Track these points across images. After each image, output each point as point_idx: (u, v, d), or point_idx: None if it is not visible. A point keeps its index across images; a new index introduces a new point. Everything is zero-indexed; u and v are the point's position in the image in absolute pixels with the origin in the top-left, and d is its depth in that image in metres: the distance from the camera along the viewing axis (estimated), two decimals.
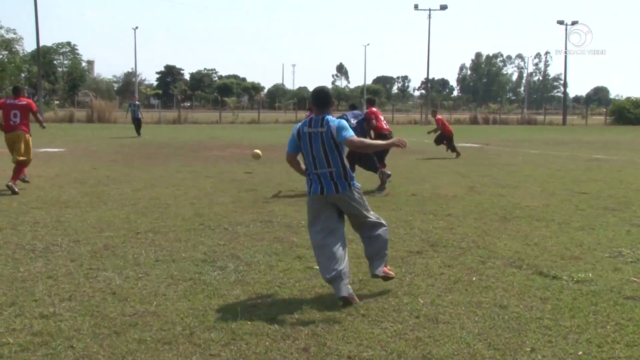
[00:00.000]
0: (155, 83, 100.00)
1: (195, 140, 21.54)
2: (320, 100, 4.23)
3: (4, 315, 3.77)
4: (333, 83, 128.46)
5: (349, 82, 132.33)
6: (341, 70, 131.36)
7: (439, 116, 16.18)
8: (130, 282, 4.51)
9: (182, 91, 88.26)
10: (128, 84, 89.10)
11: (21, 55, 36.64)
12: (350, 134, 4.09)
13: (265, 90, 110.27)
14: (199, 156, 15.19)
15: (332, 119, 4.16)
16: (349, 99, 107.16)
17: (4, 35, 34.60)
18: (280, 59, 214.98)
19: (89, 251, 5.38)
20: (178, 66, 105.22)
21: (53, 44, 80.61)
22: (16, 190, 8.48)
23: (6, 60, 34.97)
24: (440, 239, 5.99)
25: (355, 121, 9.02)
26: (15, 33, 35.04)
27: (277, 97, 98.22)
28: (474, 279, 4.64)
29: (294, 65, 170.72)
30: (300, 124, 4.35)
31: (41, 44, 40.94)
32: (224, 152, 16.13)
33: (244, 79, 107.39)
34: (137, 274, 4.70)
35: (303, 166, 4.44)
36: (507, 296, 4.20)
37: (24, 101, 9.14)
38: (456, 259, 5.23)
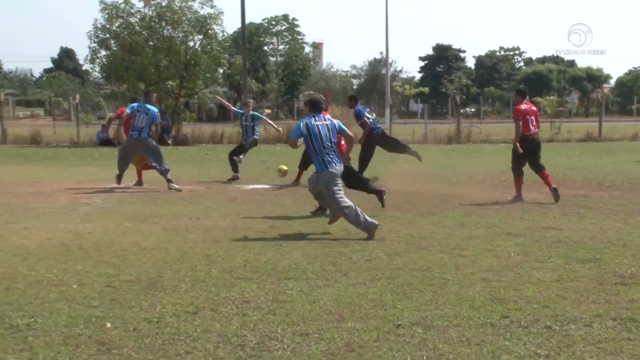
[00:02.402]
0: (418, 76, 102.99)
1: (484, 171, 21.81)
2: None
3: None
4: None
5: None
6: None
7: None
8: None
9: (462, 88, 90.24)
10: (375, 79, 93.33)
11: (219, 39, 39.89)
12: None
13: (613, 81, 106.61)
14: (491, 198, 15.36)
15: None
16: None
17: (199, 10, 38.33)
18: None
19: (322, 352, 5.79)
20: (455, 46, 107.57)
21: (264, 20, 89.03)
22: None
23: (199, 48, 38.69)
24: None
25: None
26: (213, 6, 38.52)
27: (637, 91, 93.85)
28: None
29: None
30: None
31: (247, 21, 45.10)
32: (537, 193, 16.01)
33: (571, 64, 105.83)
34: None
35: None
36: None
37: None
38: None
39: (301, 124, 11.48)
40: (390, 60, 72.97)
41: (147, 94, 18.63)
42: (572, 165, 23.57)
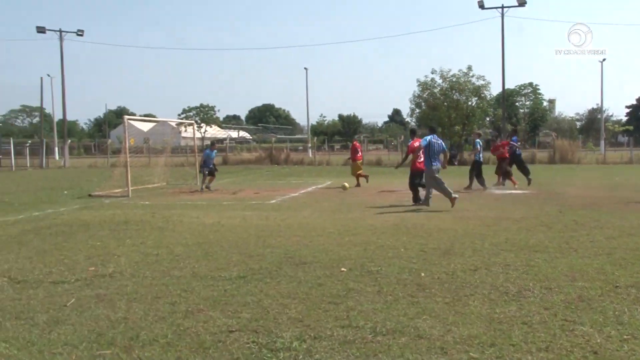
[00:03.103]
0: (624, 119, 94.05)
1: None
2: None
3: (485, 354, 4.06)
4: None
5: None
6: None
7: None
8: (614, 343, 4.20)
9: None
10: (592, 122, 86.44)
11: (487, 99, 40.08)
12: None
13: None
14: None
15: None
16: None
17: (475, 82, 38.55)
18: None
19: (562, 300, 5.31)
20: None
21: (516, 86, 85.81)
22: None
23: (475, 105, 38.90)
24: None
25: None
26: (484, 80, 38.66)
27: None
28: None
29: None
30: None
31: (505, 87, 43.91)
32: None
33: None
34: (620, 335, 4.36)
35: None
36: None
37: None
38: None
39: (427, 138, 12.84)
40: (604, 109, 66.76)
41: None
42: None
